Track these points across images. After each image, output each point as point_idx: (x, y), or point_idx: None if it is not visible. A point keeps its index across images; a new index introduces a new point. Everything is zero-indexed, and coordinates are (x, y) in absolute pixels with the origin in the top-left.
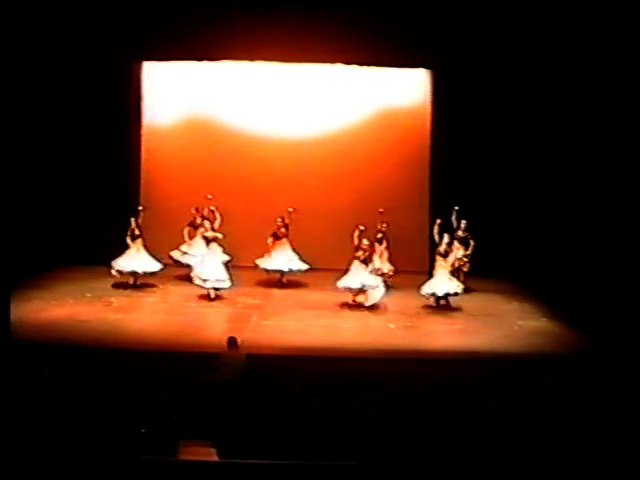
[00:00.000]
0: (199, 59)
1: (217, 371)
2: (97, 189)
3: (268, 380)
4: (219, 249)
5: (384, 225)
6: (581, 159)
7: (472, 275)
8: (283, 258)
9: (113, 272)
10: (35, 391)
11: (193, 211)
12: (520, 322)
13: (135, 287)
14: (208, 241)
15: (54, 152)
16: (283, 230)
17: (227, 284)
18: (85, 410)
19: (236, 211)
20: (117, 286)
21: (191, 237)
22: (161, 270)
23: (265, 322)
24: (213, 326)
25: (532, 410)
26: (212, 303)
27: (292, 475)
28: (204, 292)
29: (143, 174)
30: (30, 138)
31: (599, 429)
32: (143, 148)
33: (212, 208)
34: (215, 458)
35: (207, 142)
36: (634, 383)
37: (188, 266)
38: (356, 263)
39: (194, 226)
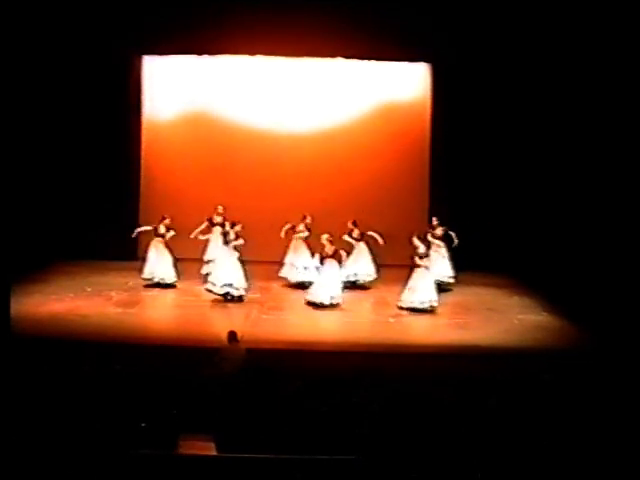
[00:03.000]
0: (199, 53)
1: (217, 365)
2: (97, 183)
3: (268, 374)
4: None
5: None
6: (580, 153)
7: (472, 270)
8: (301, 265)
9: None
10: (35, 385)
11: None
12: (520, 316)
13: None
14: (226, 242)
15: (54, 147)
16: (302, 228)
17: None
18: (85, 404)
19: (236, 205)
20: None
21: (204, 233)
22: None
23: (265, 316)
24: (213, 320)
25: (532, 405)
26: (212, 296)
27: (292, 469)
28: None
29: (143, 168)
30: (31, 133)
31: (599, 423)
32: (143, 142)
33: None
34: (215, 453)
35: (207, 136)
36: (634, 377)
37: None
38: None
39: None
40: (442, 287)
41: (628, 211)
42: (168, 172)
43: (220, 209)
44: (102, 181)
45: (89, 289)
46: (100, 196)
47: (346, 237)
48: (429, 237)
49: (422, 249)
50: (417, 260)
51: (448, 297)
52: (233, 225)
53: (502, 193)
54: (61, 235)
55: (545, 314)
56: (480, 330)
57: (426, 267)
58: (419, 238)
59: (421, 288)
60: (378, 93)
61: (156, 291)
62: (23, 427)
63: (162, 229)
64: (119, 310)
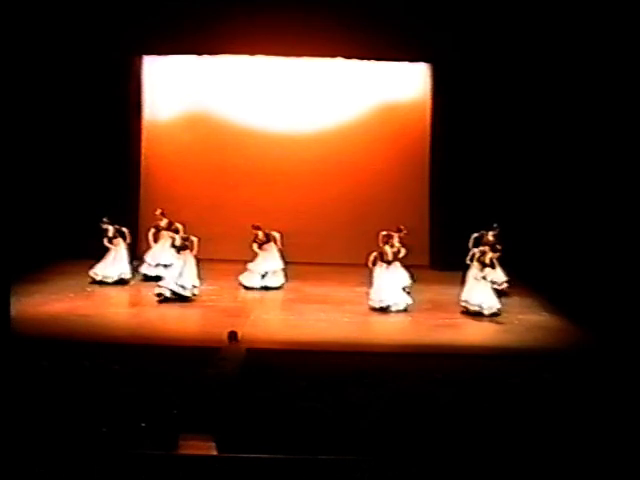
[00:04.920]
0: (199, 53)
1: (217, 365)
2: (98, 183)
3: (268, 374)
4: (191, 257)
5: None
6: (581, 153)
7: None
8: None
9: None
10: (35, 385)
11: (158, 213)
12: (520, 316)
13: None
14: (179, 249)
15: (55, 147)
16: (262, 237)
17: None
18: (85, 404)
19: (236, 205)
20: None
21: (155, 240)
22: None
23: (265, 316)
24: (213, 320)
25: (533, 404)
26: (212, 297)
27: (292, 469)
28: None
29: (143, 168)
30: (31, 133)
31: (599, 423)
32: (143, 142)
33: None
34: (215, 452)
35: (207, 136)
36: (634, 377)
37: (159, 278)
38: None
39: (158, 229)
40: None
41: (628, 211)
42: (168, 172)
43: (158, 212)
44: (102, 181)
45: (89, 289)
46: (100, 196)
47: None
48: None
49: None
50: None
51: (448, 297)
52: (177, 231)
53: (502, 193)
54: (61, 235)
55: (545, 314)
56: (480, 330)
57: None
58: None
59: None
60: (378, 93)
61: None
62: (23, 427)
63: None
64: (119, 310)
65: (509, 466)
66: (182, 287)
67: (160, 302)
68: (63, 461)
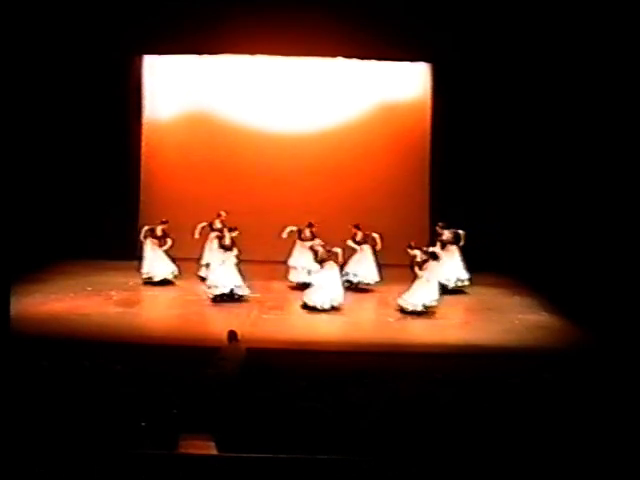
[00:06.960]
0: (199, 53)
1: (217, 365)
2: (97, 183)
3: (268, 374)
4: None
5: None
6: (581, 152)
7: (472, 270)
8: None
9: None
10: (35, 385)
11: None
12: (521, 316)
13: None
14: (224, 248)
15: (55, 147)
16: (308, 234)
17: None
18: (85, 404)
19: (236, 205)
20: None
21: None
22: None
23: (265, 316)
24: (213, 320)
25: (533, 403)
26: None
27: (292, 469)
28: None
29: (143, 168)
30: (31, 133)
31: (599, 423)
32: (143, 142)
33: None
34: (215, 452)
35: (207, 136)
36: (634, 377)
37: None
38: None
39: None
40: (458, 290)
41: (628, 211)
42: (168, 172)
43: (223, 214)
44: (102, 181)
45: (89, 289)
46: (100, 196)
47: (350, 242)
48: (437, 244)
49: (419, 257)
50: (416, 270)
51: (449, 297)
52: (230, 230)
53: (502, 193)
54: (61, 235)
55: (545, 314)
56: (480, 330)
57: (426, 279)
58: (411, 247)
59: (420, 292)
60: (378, 93)
61: (157, 290)
62: (23, 427)
63: (159, 231)
64: (119, 310)
65: (509, 466)
66: (208, 287)
67: (216, 301)
68: (63, 461)
